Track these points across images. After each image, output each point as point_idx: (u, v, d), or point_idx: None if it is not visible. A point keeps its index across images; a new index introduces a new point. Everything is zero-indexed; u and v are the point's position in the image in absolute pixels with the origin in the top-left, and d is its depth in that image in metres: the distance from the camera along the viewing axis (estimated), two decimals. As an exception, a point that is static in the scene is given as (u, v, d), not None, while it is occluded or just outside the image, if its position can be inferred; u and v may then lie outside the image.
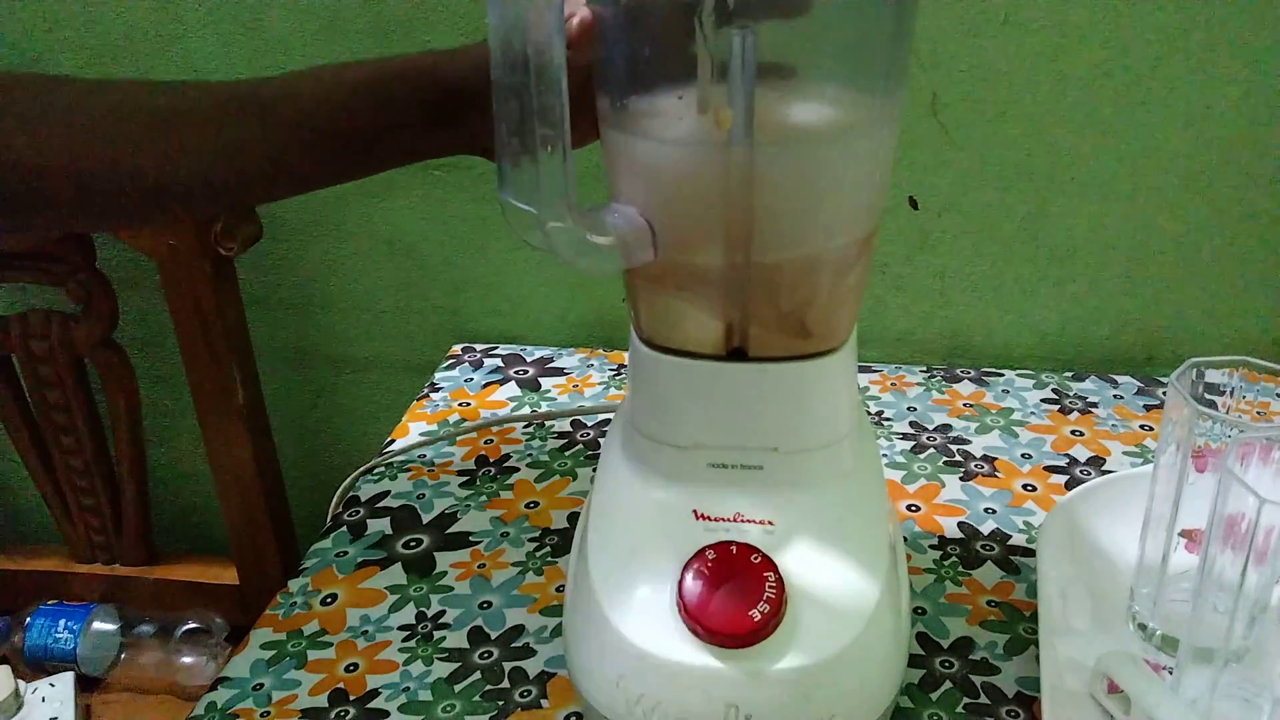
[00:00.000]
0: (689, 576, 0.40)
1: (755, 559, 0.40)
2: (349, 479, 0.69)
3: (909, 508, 0.63)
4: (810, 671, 0.39)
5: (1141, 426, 0.71)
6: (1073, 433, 0.70)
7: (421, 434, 0.73)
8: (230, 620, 0.90)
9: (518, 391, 0.78)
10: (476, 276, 0.85)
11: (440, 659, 0.53)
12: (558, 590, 0.57)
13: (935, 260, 0.79)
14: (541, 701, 0.50)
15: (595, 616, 0.42)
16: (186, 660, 0.88)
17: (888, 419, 0.73)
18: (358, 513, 0.65)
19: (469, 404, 0.76)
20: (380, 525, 0.64)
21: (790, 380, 0.42)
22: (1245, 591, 0.41)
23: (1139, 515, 0.50)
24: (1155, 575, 0.49)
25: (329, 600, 0.58)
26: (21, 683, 0.83)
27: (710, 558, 0.40)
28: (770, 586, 0.40)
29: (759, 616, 0.39)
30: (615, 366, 0.81)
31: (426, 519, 0.64)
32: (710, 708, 0.39)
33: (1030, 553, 0.59)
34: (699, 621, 0.39)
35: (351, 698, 0.51)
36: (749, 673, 0.39)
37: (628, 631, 0.41)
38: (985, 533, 0.61)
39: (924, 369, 0.79)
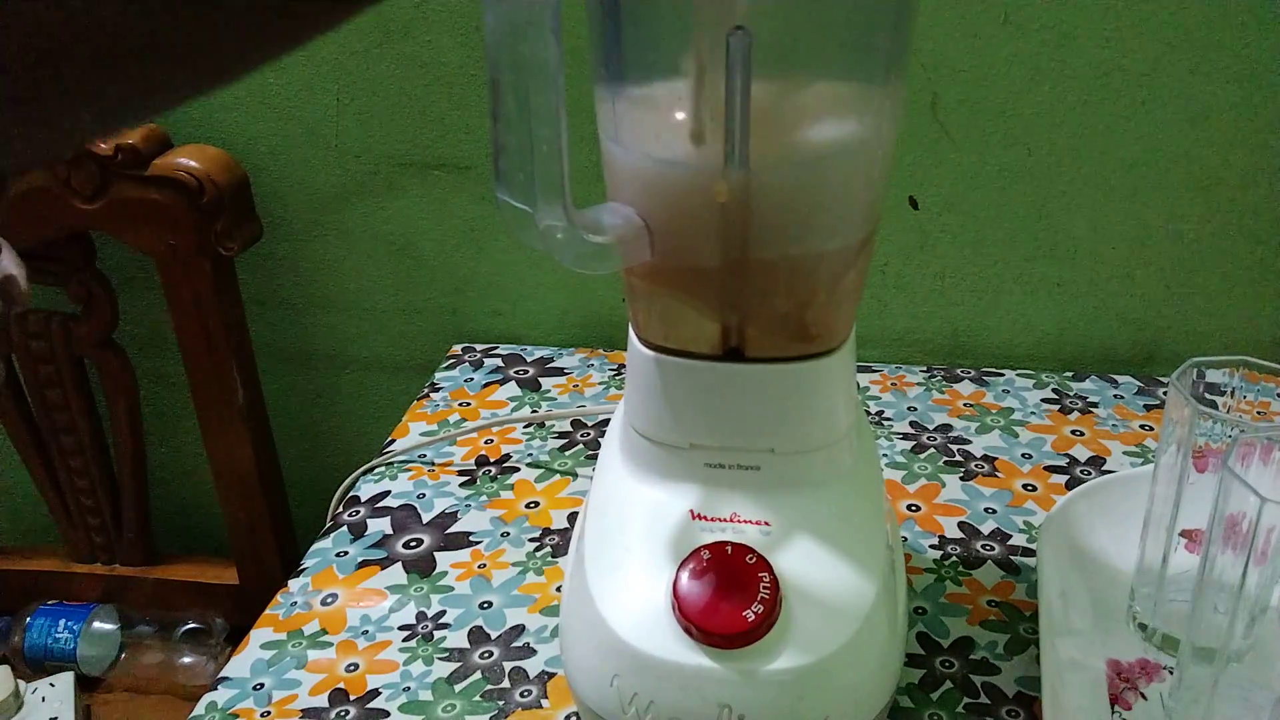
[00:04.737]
0: (684, 576, 0.40)
1: (750, 559, 0.40)
2: (349, 479, 0.69)
3: (909, 508, 0.63)
4: (804, 672, 0.39)
5: (1141, 426, 0.71)
6: (1073, 433, 0.70)
7: (421, 434, 0.73)
8: (230, 620, 0.90)
9: (518, 391, 0.78)
10: (476, 276, 0.85)
11: (440, 659, 0.53)
12: (558, 590, 0.57)
13: (935, 260, 0.78)
14: (542, 701, 0.50)
15: (590, 615, 0.42)
16: (186, 660, 0.88)
17: (888, 419, 0.72)
18: (358, 513, 0.65)
19: (469, 404, 0.76)
20: (380, 525, 0.64)
21: (787, 381, 0.42)
22: (1246, 591, 0.41)
23: (1139, 515, 0.50)
24: (1155, 575, 0.49)
25: (329, 600, 0.58)
26: (21, 683, 0.83)
27: (705, 558, 0.40)
28: (765, 587, 0.39)
29: (753, 617, 0.39)
30: (615, 366, 0.81)
31: (426, 519, 0.64)
32: (704, 708, 0.39)
33: (1030, 553, 0.59)
34: (693, 621, 0.39)
35: (351, 698, 0.51)
36: (742, 673, 0.39)
37: (622, 631, 0.40)
38: (985, 533, 0.61)
39: (924, 369, 0.79)
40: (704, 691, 0.39)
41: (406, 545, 0.62)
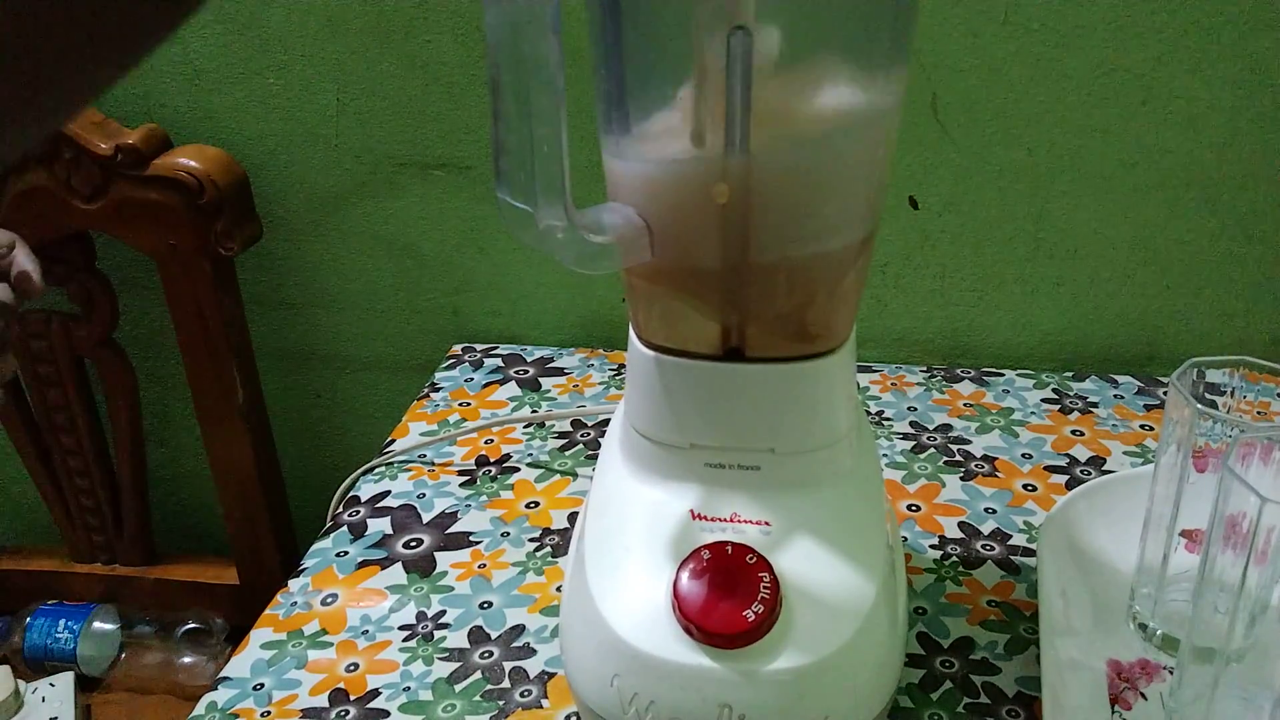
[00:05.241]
0: (684, 576, 0.40)
1: (750, 559, 0.40)
2: (349, 479, 0.69)
3: (909, 508, 0.63)
4: (804, 672, 0.39)
5: (1142, 426, 0.71)
6: (1073, 433, 0.70)
7: (421, 434, 0.73)
8: (230, 620, 0.90)
9: (518, 391, 0.78)
10: (476, 276, 0.85)
11: (440, 659, 0.53)
12: (558, 590, 0.57)
13: (935, 260, 0.78)
14: (542, 701, 0.50)
15: (591, 615, 0.42)
16: (186, 660, 0.88)
17: (888, 419, 0.72)
18: (358, 513, 0.65)
19: (469, 404, 0.76)
20: (380, 525, 0.64)
21: (787, 381, 0.42)
22: (1246, 591, 0.41)
23: (1139, 515, 0.50)
24: (1156, 575, 0.49)
25: (329, 600, 0.58)
26: (21, 683, 0.83)
27: (706, 558, 0.40)
28: (765, 587, 0.39)
29: (753, 617, 0.39)
30: (615, 366, 0.81)
31: (426, 519, 0.64)
32: (704, 708, 0.39)
33: (1030, 553, 0.59)
34: (693, 621, 0.39)
35: (351, 698, 0.51)
36: (743, 673, 0.39)
37: (622, 630, 0.40)
38: (985, 533, 0.61)
39: (924, 369, 0.79)
40: (704, 691, 0.39)
41: (406, 545, 0.62)
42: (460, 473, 0.68)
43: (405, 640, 0.55)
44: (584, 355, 0.83)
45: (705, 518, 0.42)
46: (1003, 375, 0.78)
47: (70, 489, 0.91)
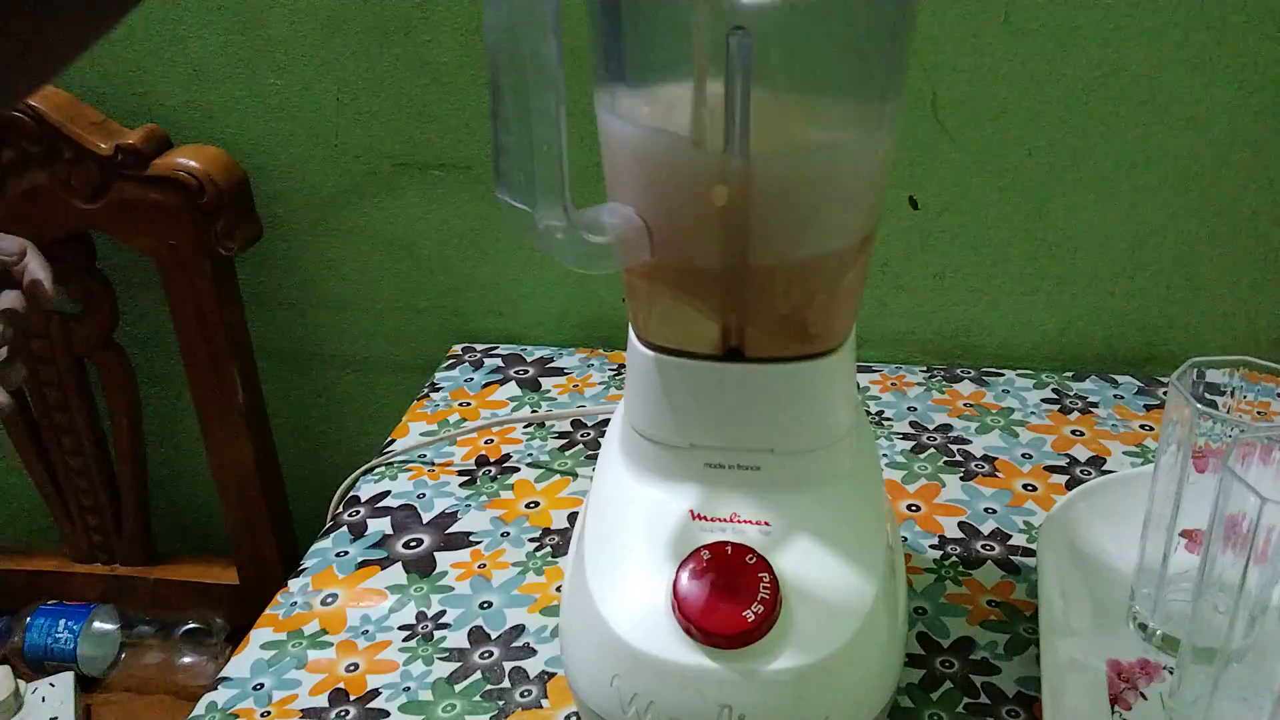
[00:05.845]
0: (684, 576, 0.40)
1: (750, 559, 0.40)
2: (349, 479, 0.69)
3: (909, 508, 0.63)
4: (803, 672, 0.39)
5: (1142, 426, 0.71)
6: (1073, 433, 0.70)
7: (421, 434, 0.73)
8: (230, 620, 0.90)
9: (518, 391, 0.78)
10: (476, 276, 0.85)
11: (440, 659, 0.53)
12: (558, 590, 0.57)
13: (935, 260, 0.78)
14: (542, 701, 0.50)
15: (590, 615, 0.42)
16: (186, 660, 0.88)
17: (888, 419, 0.72)
18: (358, 513, 0.65)
19: (469, 404, 0.76)
20: (380, 525, 0.64)
21: (787, 381, 0.42)
22: (1246, 591, 0.41)
23: (1139, 515, 0.50)
24: (1156, 575, 0.49)
25: (329, 600, 0.58)
26: (21, 683, 0.83)
27: (705, 558, 0.40)
28: (765, 587, 0.39)
29: (753, 617, 0.39)
30: (615, 366, 0.81)
31: (426, 519, 0.64)
32: (704, 708, 0.39)
33: (1030, 553, 0.59)
34: (693, 621, 0.39)
35: (351, 698, 0.51)
36: (743, 673, 0.39)
37: (622, 631, 0.40)
38: (985, 532, 0.61)
39: (924, 369, 0.79)
40: (704, 691, 0.39)
41: (406, 545, 0.62)
42: (460, 473, 0.68)
43: (405, 640, 0.55)
44: (584, 355, 0.83)
45: (705, 518, 0.42)
46: (1003, 375, 0.78)
47: (70, 489, 0.91)
